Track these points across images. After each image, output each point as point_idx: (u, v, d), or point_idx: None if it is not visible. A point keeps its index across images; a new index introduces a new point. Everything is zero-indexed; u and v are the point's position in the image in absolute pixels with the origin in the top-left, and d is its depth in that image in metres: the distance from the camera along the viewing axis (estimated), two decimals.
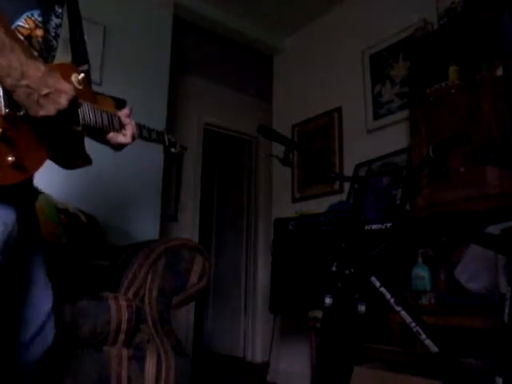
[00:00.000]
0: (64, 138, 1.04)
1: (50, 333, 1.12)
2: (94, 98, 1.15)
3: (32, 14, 1.02)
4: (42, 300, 1.11)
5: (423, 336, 1.23)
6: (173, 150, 1.38)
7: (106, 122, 1.13)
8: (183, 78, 4.24)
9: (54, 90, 0.91)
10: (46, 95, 0.90)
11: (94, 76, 2.69)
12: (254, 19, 3.61)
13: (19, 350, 1.06)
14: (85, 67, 1.13)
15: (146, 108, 2.90)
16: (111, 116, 1.16)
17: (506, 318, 1.22)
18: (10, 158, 0.86)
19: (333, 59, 3.41)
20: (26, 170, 0.91)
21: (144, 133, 1.27)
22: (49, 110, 0.90)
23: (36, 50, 1.02)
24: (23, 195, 1.05)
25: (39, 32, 1.04)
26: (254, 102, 4.72)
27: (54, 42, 1.09)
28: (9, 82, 0.86)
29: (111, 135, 1.18)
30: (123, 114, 1.20)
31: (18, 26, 0.99)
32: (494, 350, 1.57)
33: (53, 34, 1.08)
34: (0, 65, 0.84)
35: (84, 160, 1.13)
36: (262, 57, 4.03)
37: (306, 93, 3.62)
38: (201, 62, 4.19)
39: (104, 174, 2.65)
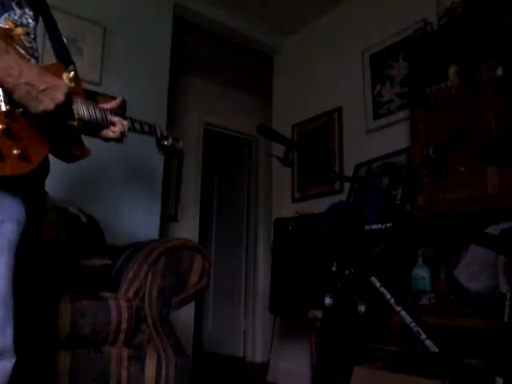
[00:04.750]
0: (62, 132, 1.09)
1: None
2: (85, 94, 1.20)
3: (9, 15, 1.05)
4: None
5: (423, 336, 1.23)
6: (165, 142, 1.40)
7: (99, 116, 1.19)
8: (183, 77, 4.24)
9: (50, 86, 0.96)
10: (44, 90, 0.94)
11: (94, 76, 2.70)
12: (255, 19, 3.61)
13: None
14: (71, 68, 1.16)
15: (146, 108, 2.89)
16: (104, 111, 1.22)
17: (505, 318, 1.22)
18: (15, 151, 0.92)
19: (333, 59, 3.41)
20: (31, 161, 0.97)
21: (136, 126, 1.32)
22: (47, 104, 0.95)
23: (21, 48, 1.04)
24: (33, 193, 1.08)
25: (19, 30, 1.07)
26: (254, 102, 4.72)
27: (34, 44, 1.11)
28: (10, 81, 0.90)
29: (104, 132, 1.25)
30: (110, 107, 1.26)
31: None
32: (494, 350, 1.57)
33: (32, 36, 1.11)
34: (0, 67, 0.89)
35: (82, 152, 1.18)
36: (262, 57, 4.03)
37: (305, 93, 3.62)
38: (201, 62, 4.19)
39: (104, 174, 2.66)
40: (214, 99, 4.50)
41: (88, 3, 2.73)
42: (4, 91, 0.92)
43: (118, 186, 2.71)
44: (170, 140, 1.41)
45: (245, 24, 3.63)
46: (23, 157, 0.94)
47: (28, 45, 1.07)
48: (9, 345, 0.94)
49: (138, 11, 2.99)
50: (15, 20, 1.06)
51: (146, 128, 1.35)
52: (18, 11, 1.07)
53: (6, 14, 1.04)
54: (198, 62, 4.18)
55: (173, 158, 4.02)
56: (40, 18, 1.21)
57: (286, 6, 3.45)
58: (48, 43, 1.23)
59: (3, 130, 0.91)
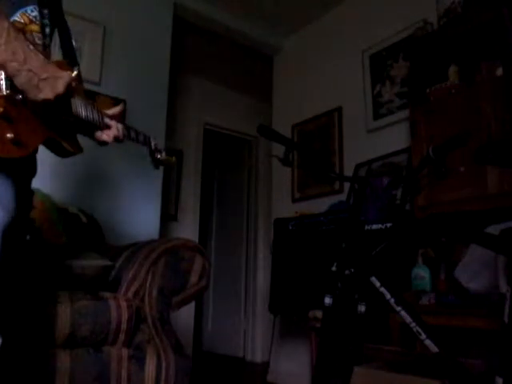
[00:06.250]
0: (58, 125, 1.11)
1: None
2: (84, 95, 1.23)
3: (26, 11, 1.08)
4: None
5: (423, 336, 1.23)
6: (158, 155, 1.42)
7: (95, 117, 1.21)
8: (183, 77, 4.23)
9: (52, 75, 0.98)
10: (45, 79, 0.97)
11: (94, 76, 2.69)
12: (255, 19, 3.61)
13: None
14: (76, 69, 1.17)
15: (146, 108, 2.90)
16: (101, 113, 1.24)
17: (505, 318, 1.22)
18: (8, 135, 0.93)
19: (333, 59, 3.41)
20: (24, 146, 0.98)
21: (132, 134, 1.34)
22: (47, 93, 0.98)
23: (31, 44, 1.05)
24: (24, 179, 1.08)
25: (34, 27, 1.09)
26: (254, 102, 4.71)
27: (46, 40, 1.14)
28: (13, 66, 0.92)
29: (98, 133, 1.27)
30: (111, 113, 1.29)
31: (15, 20, 1.04)
32: (494, 350, 1.57)
33: (45, 32, 1.13)
34: (6, 51, 0.91)
35: (76, 148, 1.20)
36: (262, 57, 4.03)
37: (305, 93, 3.62)
38: (201, 62, 4.18)
39: (104, 174, 2.66)
40: (214, 99, 4.49)
41: (88, 3, 2.73)
42: (6, 76, 0.93)
43: (118, 185, 2.71)
44: (164, 154, 1.43)
45: (245, 24, 3.63)
46: (16, 141, 0.95)
47: (38, 42, 1.09)
48: None
49: (138, 11, 2.99)
50: (31, 16, 1.08)
51: (141, 137, 1.38)
52: (34, 7, 1.10)
53: (23, 9, 1.07)
54: (198, 62, 4.18)
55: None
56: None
57: (286, 6, 3.45)
58: (57, 44, 1.25)
59: (1, 113, 0.92)
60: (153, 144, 1.42)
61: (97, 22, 2.75)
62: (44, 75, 0.96)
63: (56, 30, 1.22)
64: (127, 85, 2.83)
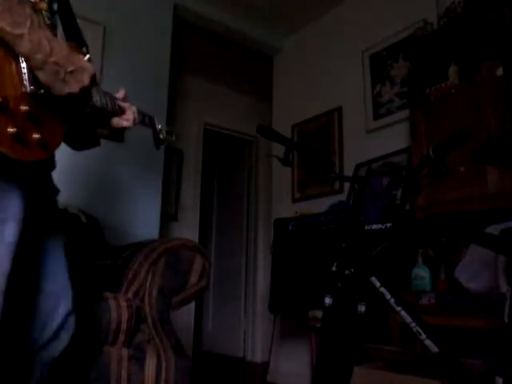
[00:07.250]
0: (76, 118, 1.04)
1: (66, 334, 1.09)
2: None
3: None
4: (59, 299, 1.08)
5: (423, 336, 1.23)
6: (161, 136, 1.40)
7: (110, 104, 1.13)
8: (183, 77, 4.24)
9: (78, 68, 0.91)
10: (71, 72, 0.89)
11: None
12: (254, 19, 3.61)
13: (36, 350, 1.04)
14: (84, 50, 1.10)
15: (146, 108, 2.88)
16: (113, 99, 1.16)
17: (505, 318, 1.22)
18: (35, 135, 0.85)
19: (333, 59, 3.41)
20: (48, 147, 0.90)
21: (139, 116, 1.30)
22: (73, 87, 0.90)
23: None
24: (37, 188, 1.02)
25: (43, 5, 1.01)
26: (254, 102, 4.72)
27: (53, 20, 1.07)
28: (39, 58, 0.83)
29: (116, 120, 1.17)
30: (120, 96, 1.21)
31: None
32: (494, 350, 1.57)
33: (52, 10, 1.06)
34: (31, 41, 0.81)
35: (93, 140, 1.13)
36: (262, 57, 4.03)
37: (305, 93, 3.62)
38: (201, 62, 4.19)
39: (104, 173, 2.66)
40: (213, 99, 4.50)
41: (88, 3, 2.73)
42: (29, 70, 0.84)
43: (118, 185, 2.71)
44: (164, 133, 1.42)
45: (245, 24, 3.63)
46: (42, 143, 0.87)
47: (48, 22, 1.01)
48: None
49: (138, 11, 2.99)
50: None
51: (147, 119, 1.34)
52: None
53: None
54: (198, 62, 4.18)
55: (173, 157, 4.02)
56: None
57: (286, 6, 3.45)
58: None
59: (26, 112, 0.83)
60: (157, 125, 1.39)
61: (97, 22, 2.74)
62: (70, 68, 0.88)
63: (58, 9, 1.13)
64: (127, 85, 2.81)
